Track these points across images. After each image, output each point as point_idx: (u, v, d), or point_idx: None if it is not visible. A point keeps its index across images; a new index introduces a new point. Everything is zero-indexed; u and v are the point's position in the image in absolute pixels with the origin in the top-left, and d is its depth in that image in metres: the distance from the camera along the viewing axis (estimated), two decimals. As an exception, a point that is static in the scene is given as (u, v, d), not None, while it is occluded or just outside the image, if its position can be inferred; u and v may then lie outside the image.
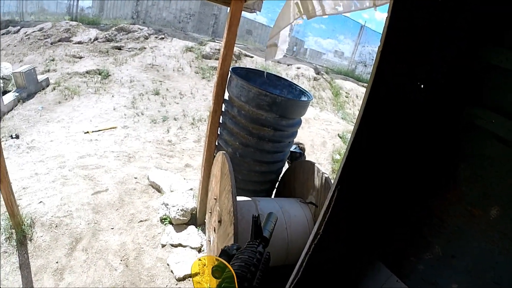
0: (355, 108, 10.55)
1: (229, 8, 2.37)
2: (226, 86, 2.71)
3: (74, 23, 8.46)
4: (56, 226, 2.73)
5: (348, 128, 8.17)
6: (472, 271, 1.23)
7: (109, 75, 6.53)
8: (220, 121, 2.90)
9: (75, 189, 3.19)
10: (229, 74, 2.67)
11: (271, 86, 3.18)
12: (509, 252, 1.12)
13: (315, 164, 2.66)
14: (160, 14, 9.70)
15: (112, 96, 5.91)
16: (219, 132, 2.94)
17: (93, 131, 4.71)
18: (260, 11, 2.57)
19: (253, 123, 2.60)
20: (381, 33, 1.21)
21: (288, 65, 10.08)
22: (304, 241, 2.48)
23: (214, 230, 2.33)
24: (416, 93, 1.35)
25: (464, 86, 1.35)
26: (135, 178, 3.65)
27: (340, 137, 7.43)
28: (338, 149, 6.77)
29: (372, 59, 11.93)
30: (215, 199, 2.38)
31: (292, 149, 3.27)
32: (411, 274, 1.42)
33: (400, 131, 1.42)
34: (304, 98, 2.91)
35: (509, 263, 1.13)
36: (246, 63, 8.96)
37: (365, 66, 12.18)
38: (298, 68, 10.09)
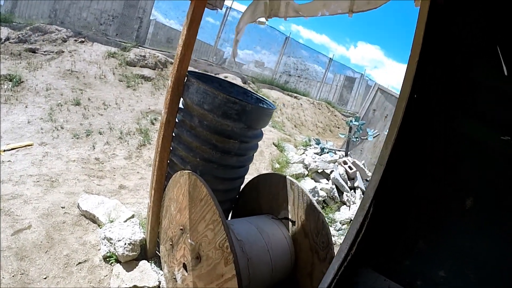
0: (283, 116, 10.80)
1: (190, 2, 2.01)
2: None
3: (-17, 19, 6.91)
4: (-34, 285, 1.96)
5: (281, 136, 8.26)
6: (454, 255, 1.33)
7: (22, 82, 5.42)
8: (173, 134, 2.47)
9: (-15, 229, 2.39)
10: (185, 78, 2.30)
11: (225, 93, 2.88)
12: (483, 234, 1.27)
13: (287, 177, 2.43)
14: (80, 14, 8.51)
15: (26, 107, 4.87)
16: (171, 147, 2.51)
17: (4, 150, 3.73)
18: (221, 9, 2.27)
19: (217, 135, 2.25)
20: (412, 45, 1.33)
21: (215, 74, 9.81)
22: (286, 260, 2.24)
23: (184, 267, 1.91)
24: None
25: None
26: (62, 207, 2.92)
27: (276, 146, 7.44)
28: (276, 157, 6.73)
29: (297, 69, 12.44)
30: (181, 229, 1.96)
31: None
32: (399, 271, 1.44)
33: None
34: (266, 106, 2.68)
35: (484, 242, 1.26)
36: (173, 71, 8.42)
37: (290, 75, 12.61)
38: (226, 77, 9.90)
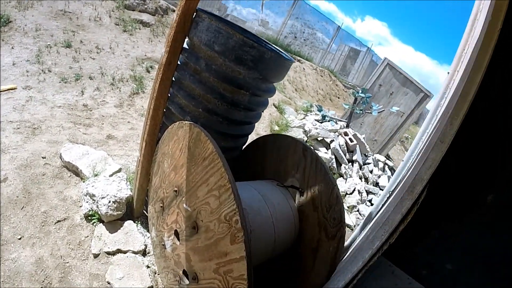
0: (284, 78, 10.32)
1: None
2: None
3: (-32, -48, 6.08)
4: None
5: (281, 97, 7.89)
6: (466, 249, 1.27)
7: (10, 22, 4.88)
8: (173, 78, 2.11)
9: (-43, 180, 2.07)
10: (195, 14, 1.89)
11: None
12: (499, 231, 1.18)
13: (299, 141, 2.13)
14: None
15: (12, 48, 4.37)
16: (169, 94, 2.16)
17: (-15, 94, 3.33)
18: None
19: (226, 83, 1.90)
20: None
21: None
22: (290, 233, 2.00)
23: (176, 235, 1.64)
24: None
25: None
26: (43, 157, 2.59)
27: (276, 107, 7.08)
28: (276, 119, 6.42)
29: (303, 32, 11.75)
30: (175, 191, 1.67)
31: None
32: (406, 258, 1.39)
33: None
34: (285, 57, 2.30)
35: (499, 240, 1.18)
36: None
37: (295, 38, 11.93)
38: (229, 31, 9.27)
